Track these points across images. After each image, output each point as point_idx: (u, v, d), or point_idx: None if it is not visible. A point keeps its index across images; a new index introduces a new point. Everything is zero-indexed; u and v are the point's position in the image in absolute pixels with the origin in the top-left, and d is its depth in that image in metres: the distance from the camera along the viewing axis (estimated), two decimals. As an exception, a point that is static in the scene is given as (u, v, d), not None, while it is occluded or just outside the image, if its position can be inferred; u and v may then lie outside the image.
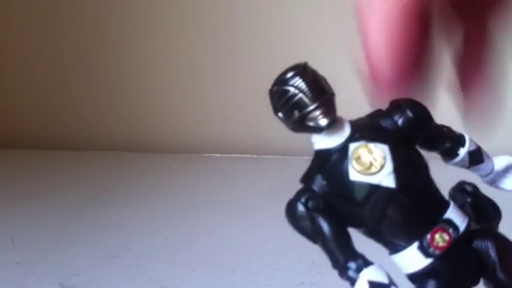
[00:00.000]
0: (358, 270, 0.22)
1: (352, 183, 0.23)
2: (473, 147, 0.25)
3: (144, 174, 1.07)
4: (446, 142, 0.25)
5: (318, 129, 0.23)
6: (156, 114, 1.29)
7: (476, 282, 0.23)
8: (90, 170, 1.10)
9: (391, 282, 0.22)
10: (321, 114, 0.23)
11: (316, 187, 0.24)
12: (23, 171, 1.08)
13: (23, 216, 0.82)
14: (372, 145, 0.23)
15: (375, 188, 0.22)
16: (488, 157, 0.26)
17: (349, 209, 0.23)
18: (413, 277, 0.24)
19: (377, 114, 0.24)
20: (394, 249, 0.24)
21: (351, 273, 0.23)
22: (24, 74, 1.29)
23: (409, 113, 0.24)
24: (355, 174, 0.23)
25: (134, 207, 0.87)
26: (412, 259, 0.23)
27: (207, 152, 1.20)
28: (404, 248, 0.23)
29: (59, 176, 1.05)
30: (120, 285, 0.61)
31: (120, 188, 0.98)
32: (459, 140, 0.25)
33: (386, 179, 0.22)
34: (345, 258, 0.23)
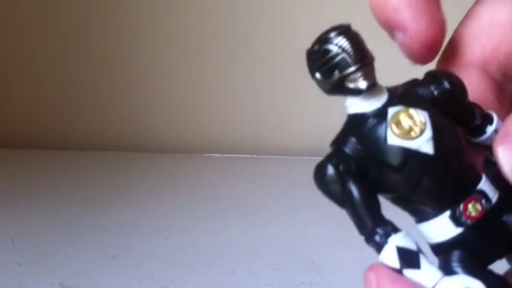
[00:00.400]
0: (386, 235, 0.22)
1: (390, 147, 0.22)
2: (500, 126, 0.24)
3: (144, 175, 1.07)
4: (476, 119, 0.24)
5: (357, 92, 0.22)
6: (156, 114, 1.29)
7: (502, 257, 0.23)
8: (91, 170, 1.10)
9: (419, 250, 0.22)
10: (362, 76, 0.22)
11: (348, 150, 0.23)
12: (23, 171, 1.08)
13: (23, 217, 0.82)
14: (412, 110, 0.22)
15: (412, 153, 0.22)
16: None
17: (382, 174, 0.23)
18: (438, 247, 0.23)
19: (414, 83, 0.24)
20: (423, 217, 0.23)
21: (378, 238, 0.23)
22: (25, 73, 1.29)
23: (446, 85, 0.24)
24: (393, 138, 0.22)
25: (134, 207, 0.87)
26: (442, 228, 0.23)
27: (207, 152, 1.20)
28: (434, 216, 0.23)
29: (59, 176, 1.05)
30: (120, 285, 0.61)
31: (121, 188, 0.98)
32: (487, 118, 0.25)
33: (425, 144, 0.22)
34: (374, 224, 0.23)
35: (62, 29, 1.25)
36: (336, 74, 0.22)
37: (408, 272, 0.21)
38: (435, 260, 0.23)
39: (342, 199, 0.23)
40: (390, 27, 0.24)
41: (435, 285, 0.21)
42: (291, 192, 0.96)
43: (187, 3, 1.22)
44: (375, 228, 0.23)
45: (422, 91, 0.24)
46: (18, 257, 0.68)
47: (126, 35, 1.24)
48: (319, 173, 0.23)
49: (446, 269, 0.22)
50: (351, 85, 0.22)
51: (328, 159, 0.23)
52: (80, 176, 1.05)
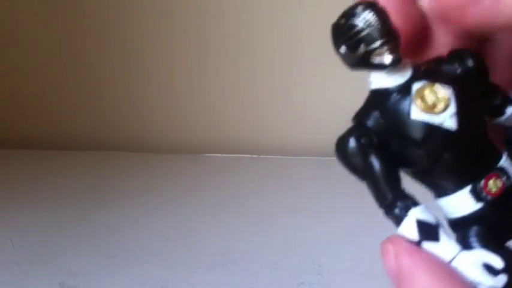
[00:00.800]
0: (407, 208, 0.22)
1: (413, 122, 0.22)
2: None
3: (144, 175, 1.07)
4: (497, 99, 0.25)
5: (382, 67, 0.23)
6: (156, 114, 1.29)
7: None
8: (90, 170, 1.10)
9: (439, 223, 0.22)
10: (387, 51, 0.22)
11: (370, 123, 0.23)
12: (23, 171, 1.08)
13: (23, 217, 0.82)
14: (436, 85, 0.23)
15: (436, 129, 0.22)
16: None
17: (404, 149, 0.23)
18: (456, 223, 0.24)
19: (437, 60, 0.24)
20: (443, 192, 0.24)
21: (398, 210, 0.23)
22: (24, 73, 1.29)
23: (469, 63, 0.24)
24: (417, 113, 0.22)
25: (134, 208, 0.87)
26: (462, 203, 0.23)
27: (207, 152, 1.20)
28: (454, 191, 0.23)
29: (59, 176, 1.05)
30: (120, 285, 0.61)
31: (120, 188, 0.98)
32: (508, 98, 0.25)
33: (449, 120, 0.22)
34: (394, 196, 0.23)
35: (60, 28, 1.25)
36: (362, 48, 0.22)
37: (427, 245, 0.22)
38: (453, 236, 0.23)
39: (363, 172, 0.24)
40: None
41: (453, 258, 0.21)
42: (291, 192, 0.96)
43: (187, 3, 1.22)
44: (395, 201, 0.23)
45: (446, 68, 0.24)
46: (18, 257, 0.68)
47: (125, 35, 1.24)
48: (341, 146, 0.24)
49: (464, 244, 0.22)
50: (376, 60, 0.22)
51: (350, 132, 0.23)
52: (80, 176, 1.05)
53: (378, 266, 0.68)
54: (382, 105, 0.23)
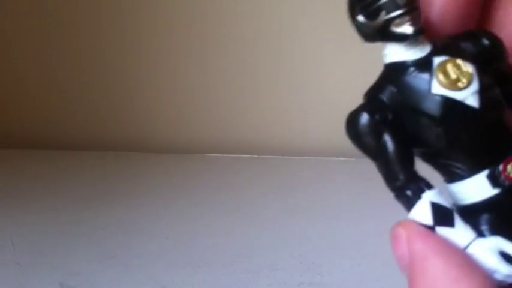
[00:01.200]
0: (420, 191, 0.21)
1: (434, 97, 0.21)
2: None
3: (144, 174, 1.07)
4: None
5: (402, 37, 0.21)
6: (156, 114, 1.29)
7: None
8: (90, 170, 1.10)
9: (453, 208, 0.21)
10: (409, 20, 0.21)
11: (385, 98, 0.22)
12: (23, 171, 1.08)
13: (23, 216, 0.82)
14: (460, 60, 0.21)
15: (456, 105, 0.21)
16: None
17: (421, 126, 0.21)
18: (468, 209, 0.22)
19: (455, 37, 0.23)
20: (457, 176, 0.22)
21: (410, 193, 0.21)
22: (23, 73, 1.29)
23: (485, 41, 0.22)
24: (438, 88, 0.21)
25: (134, 207, 0.87)
26: (477, 188, 0.22)
27: (207, 152, 1.20)
28: (470, 175, 0.22)
29: (59, 176, 1.05)
30: (120, 285, 0.61)
31: (120, 188, 0.98)
32: None
33: (471, 97, 0.21)
34: (407, 178, 0.21)
35: (59, 28, 1.25)
36: (382, 16, 0.21)
37: (441, 230, 0.20)
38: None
39: (374, 150, 0.22)
40: None
41: (468, 245, 0.20)
42: (291, 192, 0.96)
43: (187, 3, 1.22)
44: (407, 183, 0.21)
45: (463, 45, 0.22)
46: (18, 257, 0.68)
47: (125, 35, 1.24)
48: (353, 122, 0.22)
49: (475, 229, 0.21)
50: (397, 29, 0.21)
51: (362, 107, 0.22)
52: (80, 176, 1.05)
53: (378, 266, 0.68)
54: (398, 79, 0.22)
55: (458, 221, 0.21)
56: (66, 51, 1.26)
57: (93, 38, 1.25)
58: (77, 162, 1.16)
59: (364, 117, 0.22)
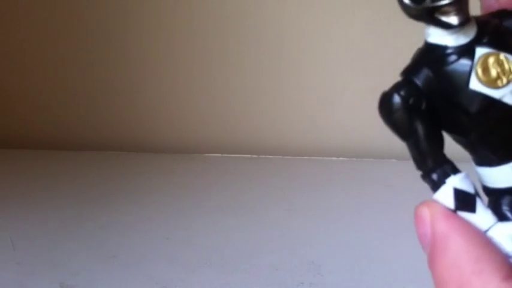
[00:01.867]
0: (445, 175, 0.22)
1: (470, 92, 0.21)
2: None
3: (144, 174, 1.07)
4: None
5: (446, 26, 0.21)
6: (156, 114, 1.29)
7: None
8: (90, 170, 1.10)
9: (477, 193, 0.22)
10: (455, 10, 0.20)
11: (420, 82, 0.22)
12: (23, 171, 1.08)
13: (23, 216, 0.82)
14: (502, 55, 0.21)
15: (493, 102, 0.21)
16: None
17: (454, 117, 0.22)
18: (492, 191, 0.23)
19: (502, 14, 0.22)
20: (486, 162, 0.23)
21: (436, 177, 0.22)
22: (23, 73, 1.29)
23: None
24: (476, 84, 0.21)
25: (134, 207, 0.87)
26: (504, 176, 0.22)
27: (207, 152, 1.20)
28: (498, 164, 0.22)
29: (59, 176, 1.05)
30: (120, 285, 0.61)
31: (120, 188, 0.98)
32: None
33: (510, 95, 0.21)
34: (435, 161, 0.22)
35: (60, 28, 1.25)
36: (428, 2, 0.20)
37: (462, 214, 0.21)
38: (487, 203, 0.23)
39: (406, 132, 0.22)
40: None
41: (489, 229, 0.21)
42: (291, 192, 0.96)
43: (188, 3, 1.22)
44: (434, 166, 0.22)
45: (506, 23, 0.22)
46: (18, 257, 0.68)
47: (125, 35, 1.24)
48: (386, 103, 0.22)
49: (497, 211, 0.22)
50: (442, 17, 0.21)
51: (397, 89, 0.22)
52: (80, 176, 1.05)
53: (378, 266, 0.68)
54: (437, 64, 0.22)
55: (480, 206, 0.21)
56: (66, 51, 1.26)
57: (93, 38, 1.25)
58: (77, 162, 1.16)
59: (398, 100, 0.22)
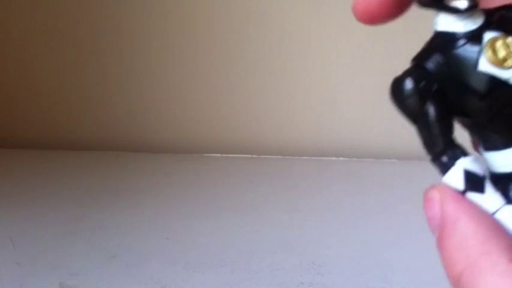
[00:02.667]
0: (455, 157, 0.22)
1: (479, 74, 0.22)
2: None
3: (144, 174, 1.07)
4: None
5: (454, 11, 0.22)
6: (156, 114, 1.29)
7: None
8: (90, 170, 1.10)
9: (486, 176, 0.22)
10: None
11: (431, 67, 0.23)
12: (23, 171, 1.08)
13: (23, 216, 0.82)
14: (510, 39, 0.22)
15: (502, 83, 0.22)
16: None
17: (464, 99, 0.23)
18: (500, 177, 0.23)
19: (505, 7, 0.23)
20: (494, 146, 0.23)
21: (446, 159, 0.23)
22: (23, 73, 1.29)
23: None
24: (485, 65, 0.22)
25: (134, 207, 0.87)
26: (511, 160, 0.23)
27: (207, 152, 1.20)
28: (505, 148, 0.23)
29: (58, 176, 1.05)
30: (120, 285, 0.61)
31: (120, 188, 0.98)
32: None
33: None
34: (445, 144, 0.23)
35: (59, 28, 1.25)
36: None
37: (471, 195, 0.22)
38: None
39: (416, 116, 0.23)
40: None
41: (497, 211, 0.21)
42: (291, 192, 0.96)
43: (188, 3, 1.22)
44: (445, 149, 0.23)
45: None
46: (18, 257, 0.68)
47: (125, 35, 1.24)
48: (398, 87, 0.23)
49: (505, 195, 0.22)
50: (450, 2, 0.22)
51: (408, 74, 0.23)
52: (79, 175, 1.05)
53: (378, 266, 0.68)
54: (447, 50, 0.23)
55: (488, 188, 0.22)
56: (66, 51, 1.26)
57: (94, 39, 1.25)
58: (77, 162, 1.16)
59: (409, 84, 0.23)
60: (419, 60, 0.23)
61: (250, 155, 1.17)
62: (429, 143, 0.23)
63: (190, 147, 1.24)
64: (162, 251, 0.70)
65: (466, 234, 0.20)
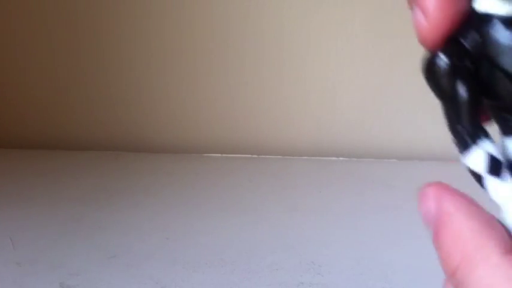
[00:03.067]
0: (478, 139, 0.22)
1: None
2: None
3: (143, 174, 1.07)
4: None
5: None
6: (155, 114, 1.29)
7: None
8: (90, 170, 1.10)
9: (504, 163, 0.22)
10: None
11: (468, 44, 0.22)
12: (23, 171, 1.08)
13: (23, 216, 0.82)
14: None
15: None
16: None
17: (497, 79, 0.22)
18: None
19: None
20: None
21: (469, 139, 0.22)
22: (23, 73, 1.29)
23: None
24: None
25: (134, 207, 0.87)
26: None
27: (207, 152, 1.20)
28: None
29: (58, 176, 1.05)
30: (120, 285, 0.61)
31: (120, 188, 0.98)
32: None
33: None
34: (470, 124, 0.22)
35: (59, 29, 1.25)
36: None
37: (490, 179, 0.22)
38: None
39: (446, 92, 0.23)
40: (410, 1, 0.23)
41: None
42: (291, 192, 0.96)
43: (187, 4, 1.22)
44: (468, 129, 0.22)
45: None
46: (18, 257, 0.68)
47: (124, 35, 1.24)
48: (430, 62, 0.23)
49: None
50: None
51: (445, 48, 0.23)
52: (78, 175, 1.05)
53: (378, 266, 0.68)
54: (484, 30, 0.22)
55: (506, 174, 0.22)
56: (66, 51, 1.26)
57: (93, 38, 1.25)
58: (77, 162, 1.16)
59: (443, 59, 0.22)
60: (458, 35, 0.23)
61: (249, 155, 1.17)
62: (454, 121, 0.23)
63: (190, 147, 1.24)
64: (162, 251, 0.70)
65: (461, 228, 0.21)
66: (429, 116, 1.24)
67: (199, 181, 1.03)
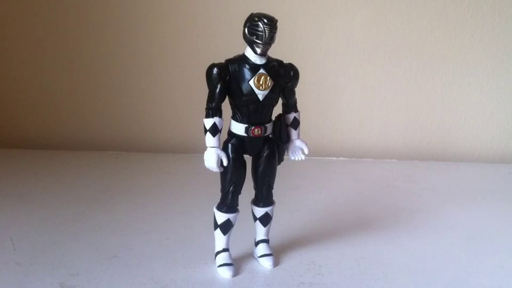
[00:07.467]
0: (214, 115, 0.57)
1: (248, 85, 0.56)
2: None
3: (144, 174, 1.07)
4: None
5: (255, 51, 0.52)
6: (156, 114, 1.29)
7: None
8: (90, 170, 1.10)
9: None
10: (262, 47, 0.53)
11: (231, 67, 0.57)
12: (23, 171, 1.08)
13: (23, 216, 0.82)
14: (268, 77, 0.49)
15: (255, 94, 0.56)
16: None
17: (238, 90, 0.56)
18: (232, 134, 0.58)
19: (279, 62, 0.51)
20: (234, 119, 0.52)
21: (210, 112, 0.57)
22: (24, 73, 1.29)
23: (290, 71, 0.62)
24: (252, 83, 0.53)
25: (134, 207, 0.87)
26: (238, 128, 0.56)
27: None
28: (240, 122, 0.53)
29: (59, 176, 1.05)
30: (120, 285, 0.61)
31: (120, 188, 0.98)
32: None
33: (261, 94, 0.55)
34: (215, 105, 0.58)
35: (60, 29, 1.25)
36: (254, 37, 0.48)
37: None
38: None
39: (213, 85, 0.56)
40: None
41: None
42: (291, 192, 0.96)
43: (187, 4, 1.22)
44: (213, 107, 0.59)
45: (278, 68, 0.58)
46: (18, 257, 0.68)
47: (124, 35, 1.24)
48: (210, 69, 0.54)
49: None
50: (256, 48, 0.43)
51: (218, 65, 0.52)
52: (79, 175, 1.06)
53: (378, 266, 0.68)
54: (241, 64, 0.57)
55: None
56: (66, 51, 1.26)
57: (93, 39, 1.25)
58: (77, 162, 1.16)
59: (216, 70, 0.58)
60: (229, 61, 0.57)
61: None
62: (208, 99, 0.58)
63: (190, 147, 1.24)
64: (162, 251, 0.70)
65: None
66: (429, 116, 1.24)
67: (199, 181, 1.03)
